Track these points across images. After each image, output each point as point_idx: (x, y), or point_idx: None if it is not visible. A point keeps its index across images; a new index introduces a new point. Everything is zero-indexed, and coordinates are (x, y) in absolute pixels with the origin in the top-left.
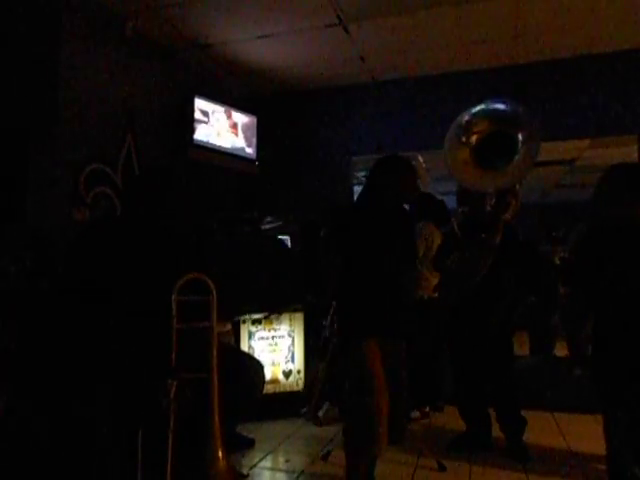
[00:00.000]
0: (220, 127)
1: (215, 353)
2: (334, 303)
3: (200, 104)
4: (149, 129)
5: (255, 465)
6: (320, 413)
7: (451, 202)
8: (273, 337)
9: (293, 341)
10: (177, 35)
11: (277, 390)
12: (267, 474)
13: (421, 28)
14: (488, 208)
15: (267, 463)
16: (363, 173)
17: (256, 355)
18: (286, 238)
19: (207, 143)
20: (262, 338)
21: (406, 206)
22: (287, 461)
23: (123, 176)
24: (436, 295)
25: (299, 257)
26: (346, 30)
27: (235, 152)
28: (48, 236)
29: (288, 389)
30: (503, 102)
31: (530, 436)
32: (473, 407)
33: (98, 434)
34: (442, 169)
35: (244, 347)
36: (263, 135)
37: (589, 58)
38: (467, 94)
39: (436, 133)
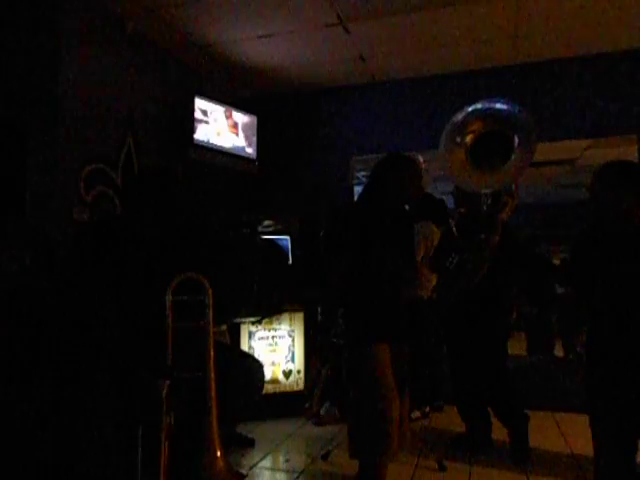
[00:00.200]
0: (220, 127)
1: (212, 353)
2: (340, 308)
3: (200, 104)
4: (149, 129)
5: (255, 465)
6: (322, 411)
7: (451, 202)
8: (273, 337)
9: (293, 341)
10: (177, 35)
11: (277, 390)
12: (267, 474)
13: (421, 28)
14: (484, 208)
15: (267, 463)
16: (363, 173)
17: (256, 355)
18: (286, 238)
19: (207, 143)
20: (262, 338)
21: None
22: (287, 461)
23: (123, 176)
24: (434, 295)
25: (299, 257)
26: (346, 30)
27: (235, 152)
28: (48, 235)
29: (288, 389)
30: (498, 101)
31: (530, 436)
32: (471, 406)
33: (98, 433)
34: (442, 169)
35: (244, 347)
36: (263, 135)
37: (589, 58)
38: (467, 94)
39: (436, 133)
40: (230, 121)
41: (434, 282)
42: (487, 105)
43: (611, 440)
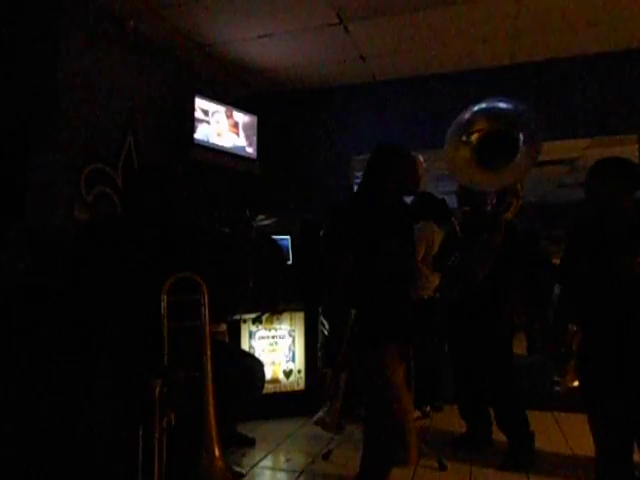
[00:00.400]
0: (221, 127)
1: (209, 352)
2: (353, 310)
3: (201, 103)
4: (150, 129)
5: (256, 464)
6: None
7: (451, 202)
8: (274, 336)
9: (294, 341)
10: (177, 35)
11: (278, 390)
12: (268, 473)
13: (422, 28)
14: (489, 207)
15: (268, 462)
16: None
17: (256, 355)
18: (286, 238)
19: (208, 143)
20: (262, 337)
21: (407, 200)
22: (288, 460)
23: (123, 176)
24: (437, 295)
25: (299, 257)
26: (346, 29)
27: (236, 152)
28: (48, 236)
29: (289, 389)
30: (504, 101)
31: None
32: (473, 406)
33: (98, 433)
34: (442, 168)
35: (244, 346)
36: (264, 135)
37: (589, 57)
38: (467, 94)
39: (436, 133)
40: (231, 121)
41: (435, 282)
42: (492, 104)
43: (607, 440)
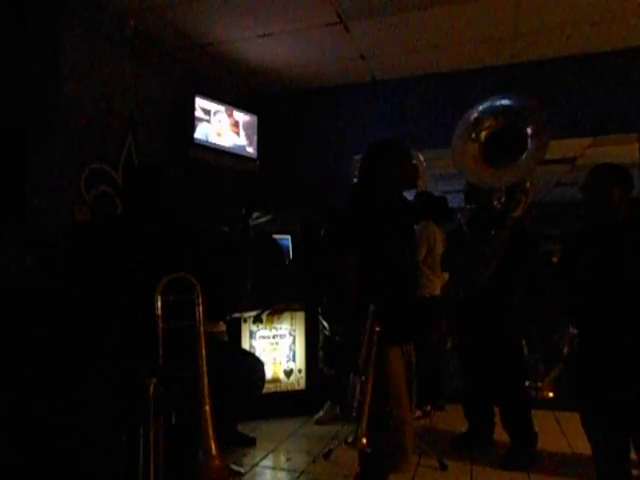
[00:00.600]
0: (221, 126)
1: (203, 352)
2: (372, 306)
3: (201, 103)
4: (150, 128)
5: (256, 464)
6: (322, 412)
7: (452, 201)
8: (274, 336)
9: (294, 340)
10: (177, 34)
11: (278, 389)
12: (268, 473)
13: (422, 27)
14: (497, 206)
15: (268, 462)
16: None
17: (257, 354)
18: (287, 238)
19: (208, 142)
20: (263, 337)
21: (408, 196)
22: (288, 460)
23: (124, 176)
24: (437, 294)
25: (300, 257)
26: (346, 29)
27: (236, 151)
28: (48, 236)
29: (289, 388)
30: (510, 97)
31: None
32: (478, 404)
33: (98, 433)
34: (443, 168)
35: (245, 346)
36: (264, 134)
37: (590, 57)
38: (467, 94)
39: (437, 132)
40: (231, 120)
41: (435, 282)
42: (500, 101)
43: (605, 440)
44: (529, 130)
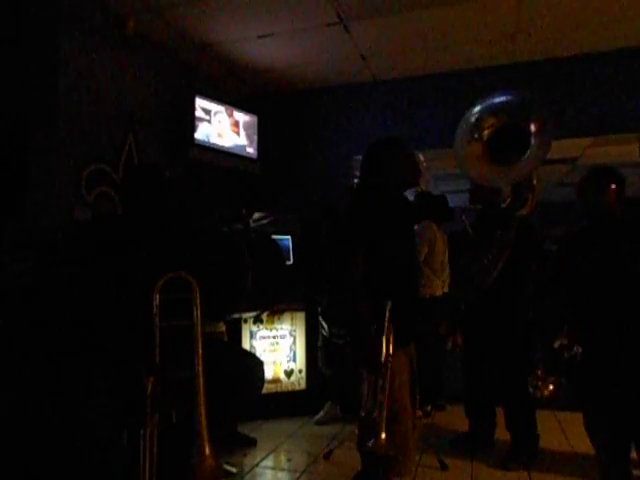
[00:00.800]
0: (221, 126)
1: (200, 351)
2: (389, 303)
3: (201, 103)
4: (150, 129)
5: (257, 464)
6: (322, 412)
7: (452, 201)
8: (274, 336)
9: (295, 340)
10: (177, 35)
11: (279, 389)
12: (269, 473)
13: (422, 27)
14: (504, 205)
15: (269, 462)
16: None
17: (257, 354)
18: (287, 238)
19: (208, 142)
20: (264, 337)
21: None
22: (289, 460)
23: (124, 176)
24: (437, 295)
25: (300, 257)
26: (347, 29)
27: (236, 151)
28: (48, 236)
29: (290, 388)
30: (507, 93)
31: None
32: (481, 404)
33: (99, 433)
34: (443, 168)
35: (246, 346)
36: (264, 134)
37: (590, 56)
38: (467, 93)
39: (437, 132)
40: (231, 120)
41: (436, 282)
42: (500, 98)
43: (605, 440)
44: (532, 126)
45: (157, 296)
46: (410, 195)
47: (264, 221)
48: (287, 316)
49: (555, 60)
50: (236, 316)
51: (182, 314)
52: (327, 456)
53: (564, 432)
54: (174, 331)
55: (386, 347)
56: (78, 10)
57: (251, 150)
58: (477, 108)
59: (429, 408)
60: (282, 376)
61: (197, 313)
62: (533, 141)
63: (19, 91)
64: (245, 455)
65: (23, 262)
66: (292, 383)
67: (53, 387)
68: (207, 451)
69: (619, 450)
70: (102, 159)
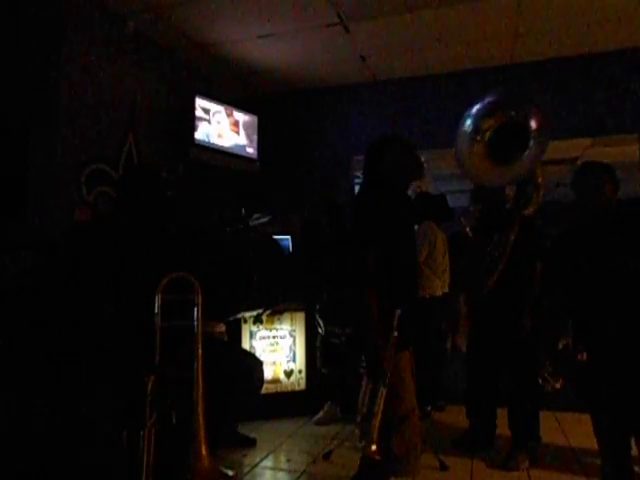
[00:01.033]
0: (221, 126)
1: (200, 352)
2: (398, 312)
3: (201, 103)
4: (150, 128)
5: (257, 464)
6: (322, 412)
7: (451, 201)
8: (274, 337)
9: (294, 341)
10: (178, 35)
11: (278, 390)
12: (269, 473)
13: (422, 27)
14: (507, 206)
15: (269, 462)
16: None
17: (257, 355)
18: (287, 238)
19: (208, 142)
20: (263, 337)
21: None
22: (289, 460)
23: (120, 176)
24: (437, 295)
25: (300, 257)
26: (347, 29)
27: (236, 151)
28: (48, 236)
29: (289, 389)
30: (495, 92)
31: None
32: (483, 404)
33: (99, 433)
34: (442, 168)
35: (245, 347)
36: (264, 134)
37: (590, 57)
38: (467, 94)
39: (437, 132)
40: (231, 120)
41: (435, 282)
42: (489, 100)
43: (604, 437)
44: (532, 123)
45: (159, 296)
46: (410, 195)
47: (262, 220)
48: (287, 316)
49: (555, 60)
50: (238, 316)
51: (182, 314)
52: (327, 456)
53: (564, 432)
54: (174, 331)
55: (389, 355)
56: (79, 10)
57: (251, 150)
58: (472, 114)
59: (429, 408)
60: (282, 376)
61: (198, 313)
62: (532, 134)
63: (19, 91)
64: (245, 455)
65: (23, 262)
66: (292, 383)
67: (53, 387)
68: (204, 452)
69: (621, 447)
70: (102, 159)
